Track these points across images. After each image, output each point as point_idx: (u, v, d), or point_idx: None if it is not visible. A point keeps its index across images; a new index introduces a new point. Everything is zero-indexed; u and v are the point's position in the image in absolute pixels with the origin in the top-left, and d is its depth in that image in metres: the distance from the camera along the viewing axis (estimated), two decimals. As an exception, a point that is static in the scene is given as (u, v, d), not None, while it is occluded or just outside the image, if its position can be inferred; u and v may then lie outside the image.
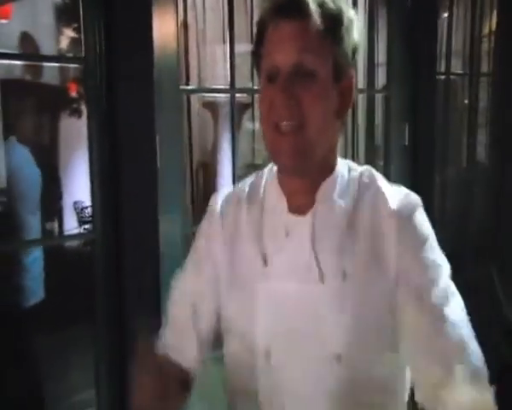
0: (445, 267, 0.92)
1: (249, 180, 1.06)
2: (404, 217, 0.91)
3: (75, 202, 6.66)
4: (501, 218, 3.11)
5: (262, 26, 0.91)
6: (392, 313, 0.90)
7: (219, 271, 1.02)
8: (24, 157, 2.56)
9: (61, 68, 6.11)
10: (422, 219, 0.93)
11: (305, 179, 0.93)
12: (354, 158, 2.64)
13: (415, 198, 0.95)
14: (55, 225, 6.52)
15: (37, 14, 5.78)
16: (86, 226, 6.45)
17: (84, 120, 6.90)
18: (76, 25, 5.43)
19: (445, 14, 2.79)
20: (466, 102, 3.04)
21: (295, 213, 0.94)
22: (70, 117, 6.66)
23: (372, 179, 0.97)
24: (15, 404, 2.19)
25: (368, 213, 0.93)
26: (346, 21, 0.89)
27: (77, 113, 6.70)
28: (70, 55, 6.75)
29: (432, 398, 0.86)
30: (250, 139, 3.92)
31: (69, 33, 5.82)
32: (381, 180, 0.97)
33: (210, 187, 6.86)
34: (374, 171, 0.99)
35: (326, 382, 0.90)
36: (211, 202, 1.07)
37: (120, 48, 1.79)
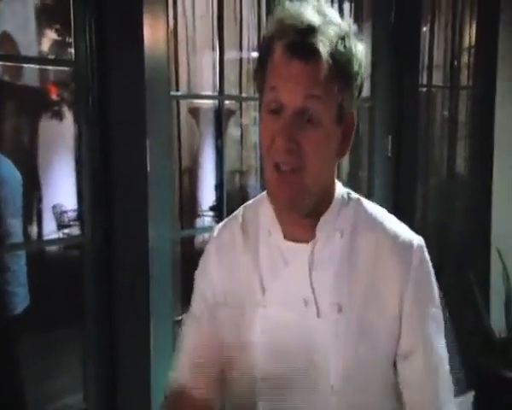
0: (442, 323, 0.95)
1: (242, 210, 1.06)
2: (409, 262, 0.91)
3: (54, 206, 6.58)
4: (480, 229, 3.18)
5: (269, 50, 0.88)
6: (391, 347, 0.92)
7: (218, 300, 1.00)
8: (4, 161, 2.50)
9: (40, 71, 6.03)
10: (428, 266, 0.94)
11: (302, 216, 0.92)
12: (339, 169, 2.67)
13: (418, 241, 0.94)
14: (35, 229, 6.43)
15: (20, 16, 5.70)
16: (66, 230, 6.39)
17: (64, 123, 6.87)
18: (59, 27, 5.38)
19: (427, 29, 2.85)
20: (446, 114, 3.10)
21: (292, 241, 0.93)
22: (50, 120, 6.59)
23: (373, 212, 0.97)
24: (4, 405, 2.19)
25: (368, 246, 0.93)
26: (355, 65, 0.87)
27: (58, 116, 6.62)
28: (52, 57, 6.63)
29: None
30: (235, 145, 3.97)
31: (53, 36, 5.76)
32: (382, 214, 0.98)
33: (195, 191, 6.88)
34: (373, 203, 1.00)
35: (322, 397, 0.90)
36: (209, 241, 1.07)
37: (111, 54, 1.80)
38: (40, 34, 5.98)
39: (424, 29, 2.77)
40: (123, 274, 1.87)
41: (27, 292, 2.48)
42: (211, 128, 6.70)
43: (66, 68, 2.69)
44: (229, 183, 2.14)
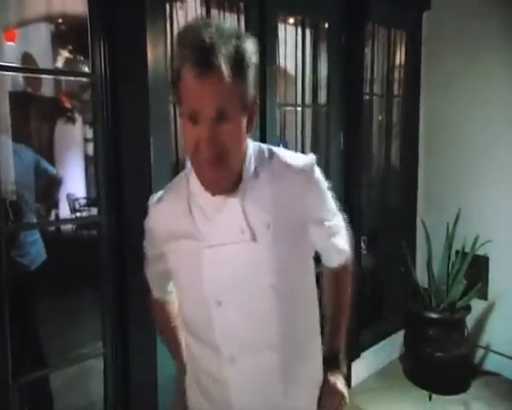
0: (334, 205, 1.05)
1: (174, 182, 1.06)
2: (308, 173, 0.96)
3: (68, 195, 6.52)
4: (409, 206, 3.23)
5: (179, 76, 0.85)
6: (304, 239, 0.98)
7: (164, 245, 1.02)
8: (31, 157, 2.36)
9: (56, 83, 5.86)
10: (320, 175, 1.00)
11: (228, 189, 0.93)
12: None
13: (311, 158, 0.99)
14: (53, 212, 6.30)
15: (39, 38, 5.46)
16: (77, 214, 6.37)
17: (77, 127, 6.68)
18: (75, 48, 5.22)
19: (369, 50, 2.86)
20: (383, 117, 3.12)
21: (220, 195, 0.93)
22: (65, 124, 6.42)
23: (276, 152, 0.99)
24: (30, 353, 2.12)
25: (278, 177, 0.95)
26: (249, 61, 0.86)
27: (71, 120, 6.45)
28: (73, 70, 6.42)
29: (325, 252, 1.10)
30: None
31: (69, 56, 5.59)
32: (282, 151, 1.00)
33: None
34: (273, 147, 1.01)
35: (265, 307, 0.94)
36: (149, 213, 1.06)
37: (121, 67, 1.78)
38: (57, 55, 5.78)
39: (366, 50, 2.75)
40: (132, 247, 1.82)
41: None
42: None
43: (84, 79, 2.62)
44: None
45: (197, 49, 0.81)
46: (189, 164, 0.96)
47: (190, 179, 0.98)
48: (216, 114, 0.84)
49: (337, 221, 1.07)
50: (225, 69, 0.81)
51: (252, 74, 0.87)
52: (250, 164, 0.95)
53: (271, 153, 0.98)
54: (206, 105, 0.83)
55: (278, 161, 0.97)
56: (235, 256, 0.93)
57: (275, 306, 0.94)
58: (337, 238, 1.07)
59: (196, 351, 1.02)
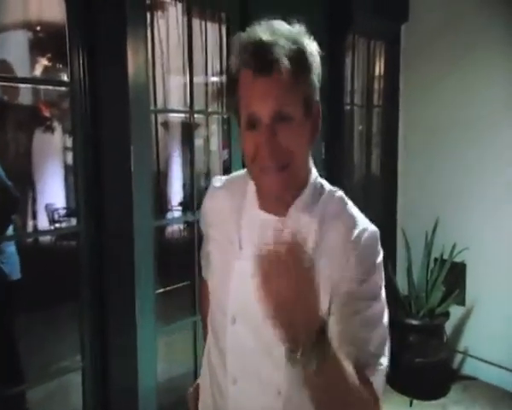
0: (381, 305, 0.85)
1: (241, 173, 0.99)
2: (362, 249, 0.82)
3: (46, 205, 6.38)
4: (389, 214, 3.27)
5: (235, 78, 0.82)
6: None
7: (212, 243, 0.99)
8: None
9: (34, 92, 5.74)
10: (376, 250, 0.84)
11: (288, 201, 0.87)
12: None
13: (375, 232, 0.85)
14: (31, 223, 6.13)
15: (17, 45, 5.36)
16: (57, 225, 6.22)
17: (55, 136, 6.58)
18: (53, 55, 5.13)
19: (349, 62, 2.89)
20: (363, 126, 3.16)
21: (269, 212, 0.87)
22: (44, 133, 6.30)
23: (341, 201, 0.89)
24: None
25: (332, 233, 0.83)
26: (310, 60, 0.81)
27: (50, 129, 6.32)
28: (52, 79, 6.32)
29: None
30: (200, 152, 3.92)
31: (47, 63, 5.48)
32: (349, 205, 0.89)
33: (170, 188, 6.83)
34: (343, 194, 0.91)
35: (276, 356, 0.83)
36: (206, 196, 1.02)
37: (101, 76, 1.75)
38: (35, 63, 5.67)
39: (347, 61, 2.78)
40: (112, 257, 1.80)
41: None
42: (175, 138, 6.62)
43: (62, 88, 2.57)
44: (196, 182, 2.08)
45: (256, 47, 0.78)
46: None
47: (249, 184, 0.92)
48: (275, 114, 0.78)
49: (376, 311, 0.84)
50: (285, 68, 0.76)
51: (314, 76, 0.82)
52: (309, 191, 0.87)
53: (333, 191, 0.90)
54: (265, 105, 0.78)
55: (339, 209, 0.86)
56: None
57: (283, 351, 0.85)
58: (369, 332, 0.82)
59: (213, 358, 0.99)
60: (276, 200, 0.86)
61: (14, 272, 2.24)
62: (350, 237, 0.82)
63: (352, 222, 0.85)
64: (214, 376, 0.98)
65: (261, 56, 0.77)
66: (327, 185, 0.92)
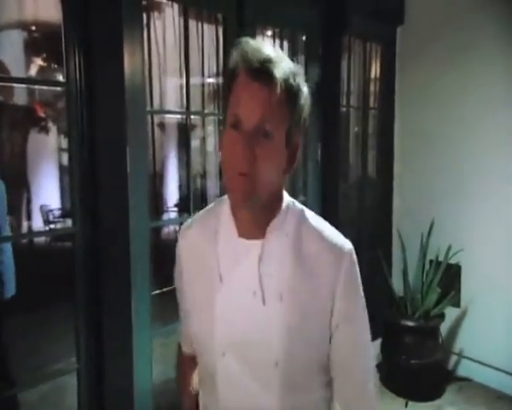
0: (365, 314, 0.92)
1: (209, 207, 1.01)
2: (341, 263, 0.87)
3: (41, 206, 6.35)
4: (385, 216, 3.28)
5: (233, 75, 0.84)
6: (324, 331, 0.88)
7: (186, 292, 0.98)
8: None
9: (29, 92, 5.71)
10: (355, 267, 0.89)
11: (253, 214, 0.87)
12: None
13: (349, 245, 0.90)
14: (25, 224, 6.10)
15: (12, 45, 5.32)
16: (51, 226, 6.19)
17: (51, 136, 6.55)
18: (49, 55, 5.11)
19: (345, 64, 2.89)
20: (359, 128, 3.16)
21: (245, 238, 0.89)
22: (39, 133, 6.26)
23: (314, 220, 0.92)
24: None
25: (308, 248, 0.88)
26: (302, 98, 0.84)
27: (45, 130, 6.28)
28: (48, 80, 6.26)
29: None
30: (196, 154, 3.90)
31: (43, 64, 5.45)
32: (320, 222, 0.92)
33: (166, 189, 6.81)
34: (313, 213, 0.94)
35: (268, 383, 0.87)
36: (179, 238, 1.01)
37: (97, 76, 1.74)
38: (30, 63, 5.63)
39: (343, 63, 2.79)
40: (107, 258, 1.79)
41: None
42: (171, 139, 6.60)
43: (58, 88, 2.55)
44: (192, 183, 2.06)
45: (257, 53, 0.80)
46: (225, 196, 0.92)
47: (224, 209, 0.93)
48: (258, 127, 0.80)
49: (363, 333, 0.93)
50: (280, 82, 0.79)
51: (302, 113, 0.85)
52: (282, 214, 0.89)
53: (305, 215, 0.92)
54: (252, 109, 0.80)
55: (312, 226, 0.90)
56: (247, 312, 0.87)
57: (277, 382, 0.87)
58: (361, 361, 0.92)
59: (205, 397, 0.99)
60: (252, 223, 0.88)
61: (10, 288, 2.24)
62: (330, 257, 0.87)
63: (330, 241, 0.89)
64: None
65: (262, 66, 0.79)
66: (298, 205, 0.95)
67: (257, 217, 0.87)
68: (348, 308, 0.88)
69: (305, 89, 0.85)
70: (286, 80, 0.80)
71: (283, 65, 0.81)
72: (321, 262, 0.87)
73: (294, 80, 0.82)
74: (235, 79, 0.83)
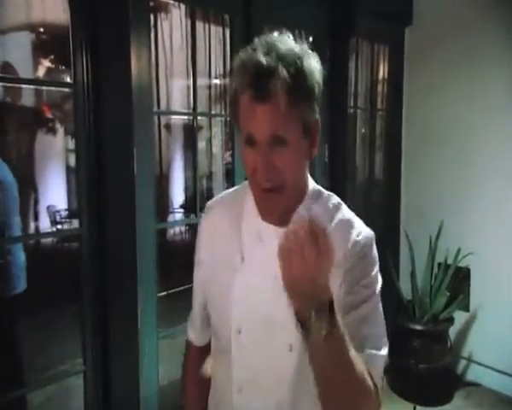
0: (376, 292, 0.90)
1: (235, 189, 1.02)
2: (363, 250, 0.87)
3: (48, 207, 6.40)
4: (392, 217, 3.26)
5: (237, 100, 0.83)
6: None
7: (205, 266, 0.99)
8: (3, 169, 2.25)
9: (37, 93, 5.76)
10: (372, 253, 0.90)
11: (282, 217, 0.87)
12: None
13: (370, 232, 0.91)
14: (32, 225, 6.15)
15: (20, 47, 5.37)
16: (58, 226, 6.25)
17: (58, 137, 6.60)
18: (57, 57, 5.15)
19: (353, 65, 2.88)
20: (366, 129, 3.15)
21: (269, 222, 0.89)
22: (46, 135, 6.31)
23: (338, 206, 0.92)
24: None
25: (332, 233, 0.86)
26: (311, 83, 0.81)
27: (52, 131, 6.33)
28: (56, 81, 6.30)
29: None
30: (202, 155, 3.91)
31: (51, 65, 5.50)
32: (345, 209, 0.92)
33: (169, 191, 6.82)
34: (339, 199, 0.94)
35: (280, 366, 0.88)
36: (204, 210, 1.02)
37: (104, 78, 1.75)
38: (38, 64, 5.68)
39: (350, 64, 2.78)
40: (114, 259, 1.79)
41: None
42: (177, 140, 6.62)
43: (65, 89, 2.57)
44: (198, 185, 2.07)
45: (255, 71, 0.78)
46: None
47: (249, 193, 0.92)
48: (271, 138, 0.80)
49: (370, 311, 0.90)
50: (283, 94, 0.77)
51: (315, 95, 0.82)
52: (307, 200, 0.90)
53: (330, 196, 0.93)
54: (261, 129, 0.80)
55: (338, 214, 0.90)
56: (265, 294, 0.88)
57: (291, 364, 0.87)
58: (368, 327, 0.88)
59: (218, 372, 1.00)
60: (272, 218, 0.88)
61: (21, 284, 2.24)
62: (348, 241, 0.87)
63: (350, 225, 0.90)
64: (218, 388, 1.00)
65: (259, 85, 0.78)
66: (324, 192, 0.95)
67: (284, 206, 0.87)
68: (359, 282, 0.87)
69: (312, 68, 0.81)
70: (289, 86, 0.78)
71: (282, 69, 0.78)
72: (337, 242, 0.84)
73: (299, 76, 0.79)
74: (238, 99, 0.83)
